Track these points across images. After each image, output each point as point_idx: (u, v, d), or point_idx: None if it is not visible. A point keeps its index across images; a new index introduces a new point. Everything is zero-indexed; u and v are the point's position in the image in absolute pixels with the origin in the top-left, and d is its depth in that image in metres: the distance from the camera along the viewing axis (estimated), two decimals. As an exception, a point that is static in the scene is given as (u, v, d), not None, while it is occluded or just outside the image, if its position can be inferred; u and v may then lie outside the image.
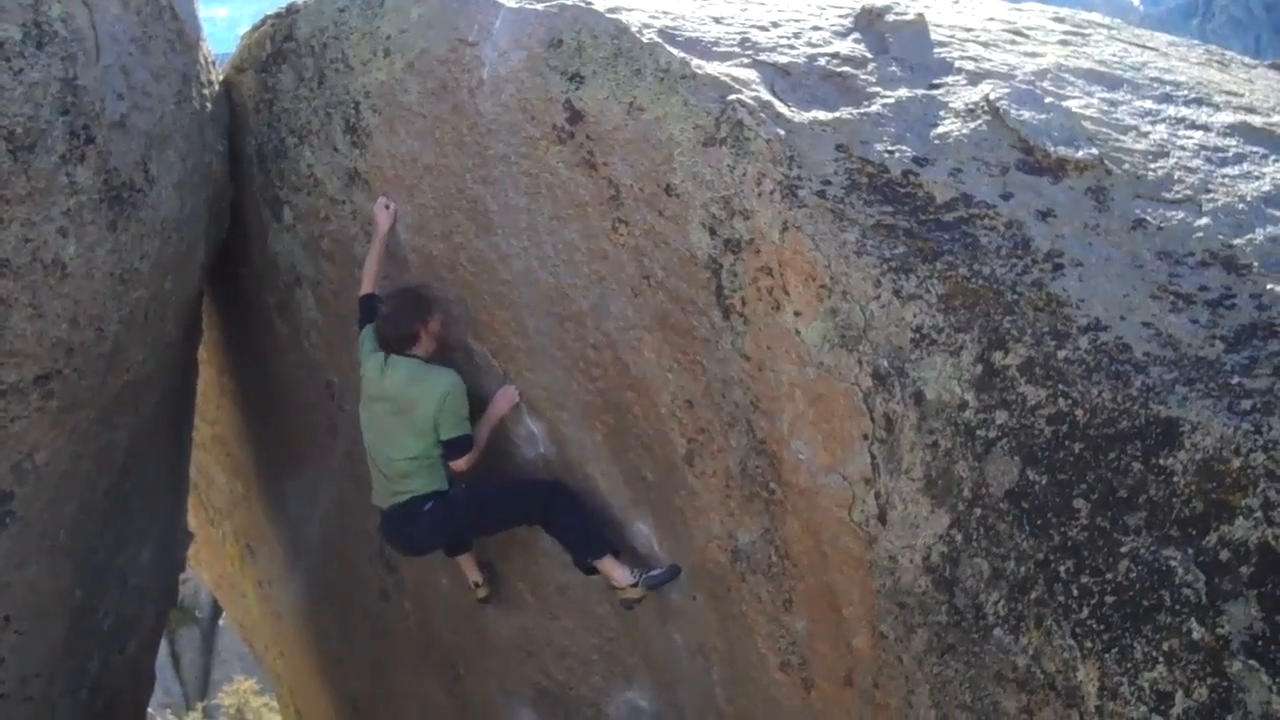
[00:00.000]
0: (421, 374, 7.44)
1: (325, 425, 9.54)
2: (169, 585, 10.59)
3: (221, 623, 28.76)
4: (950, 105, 6.43)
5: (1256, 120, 6.57)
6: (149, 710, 12.13)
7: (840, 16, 7.25)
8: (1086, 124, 6.29)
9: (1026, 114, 6.29)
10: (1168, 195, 5.88)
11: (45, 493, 7.50)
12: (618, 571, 7.35)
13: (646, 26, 6.74)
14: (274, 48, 8.57)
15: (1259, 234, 5.60)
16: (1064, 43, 7.50)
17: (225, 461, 11.77)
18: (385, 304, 7.68)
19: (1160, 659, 4.88)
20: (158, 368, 8.26)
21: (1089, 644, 5.10)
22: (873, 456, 5.86)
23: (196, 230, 8.32)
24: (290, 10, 8.56)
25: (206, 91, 8.47)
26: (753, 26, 7.02)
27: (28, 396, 7.08)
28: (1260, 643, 4.68)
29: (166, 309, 8.07)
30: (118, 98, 7.25)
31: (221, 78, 9.00)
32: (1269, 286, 5.30)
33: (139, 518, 9.11)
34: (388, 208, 7.77)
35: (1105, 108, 6.53)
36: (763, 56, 6.69)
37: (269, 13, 8.88)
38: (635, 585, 7.29)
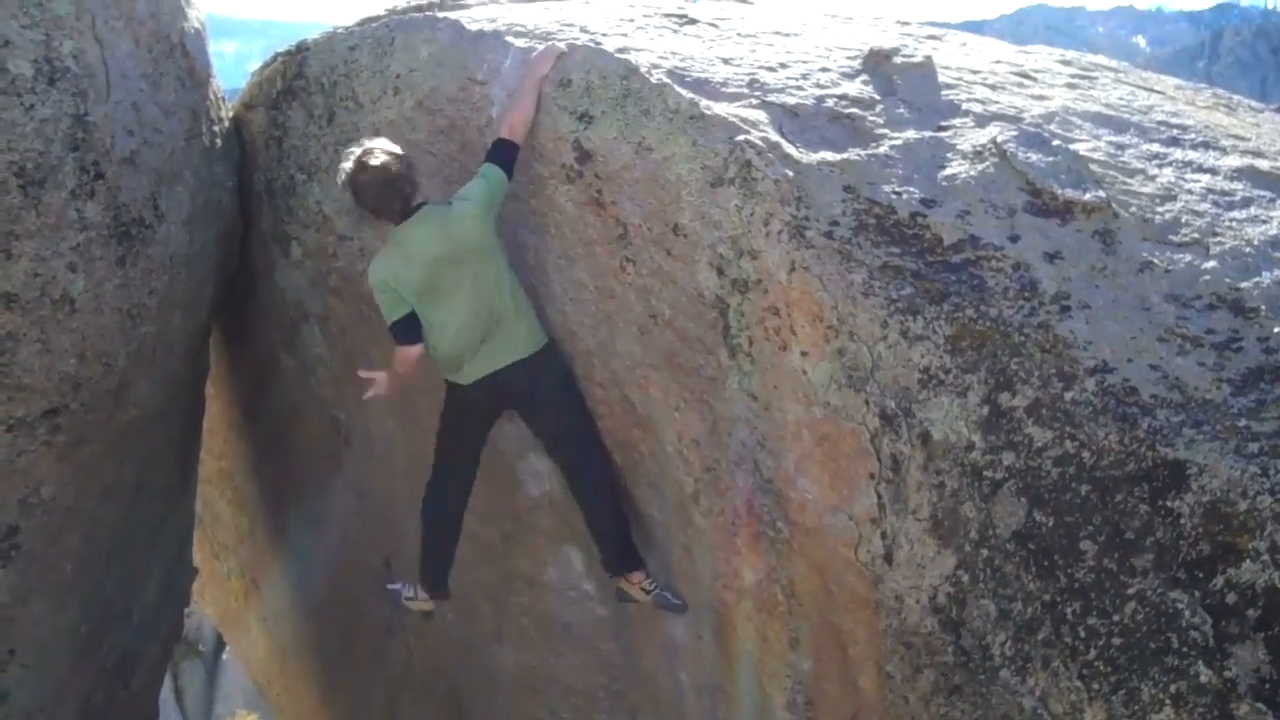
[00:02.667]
0: (442, 212, 6.92)
1: (331, 460, 9.55)
2: (174, 621, 10.59)
3: (225, 657, 28.66)
4: (958, 147, 6.45)
5: (1264, 164, 6.59)
6: (152, 745, 12.08)
7: (848, 58, 7.28)
8: (1094, 167, 6.31)
9: (1034, 156, 6.31)
10: (1175, 238, 5.89)
11: (51, 527, 7.51)
12: (639, 573, 7.25)
13: (655, 67, 6.77)
14: (284, 85, 8.62)
15: (1266, 277, 5.61)
16: (1071, 85, 7.52)
17: (231, 496, 11.77)
18: (366, 197, 6.96)
19: (1168, 701, 4.87)
20: (165, 403, 8.28)
21: (1096, 686, 5.09)
22: (879, 496, 5.86)
23: (205, 266, 8.35)
24: (300, 48, 8.62)
25: (216, 128, 8.53)
26: (761, 68, 7.04)
27: (35, 431, 7.10)
28: (1267, 686, 4.68)
29: (174, 344, 8.09)
30: (128, 134, 7.30)
31: (231, 114, 9.05)
32: (1276, 330, 5.31)
33: (145, 553, 9.12)
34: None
35: (1113, 150, 6.54)
36: (771, 97, 6.71)
37: (279, 50, 8.94)
38: (648, 593, 7.19)
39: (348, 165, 6.82)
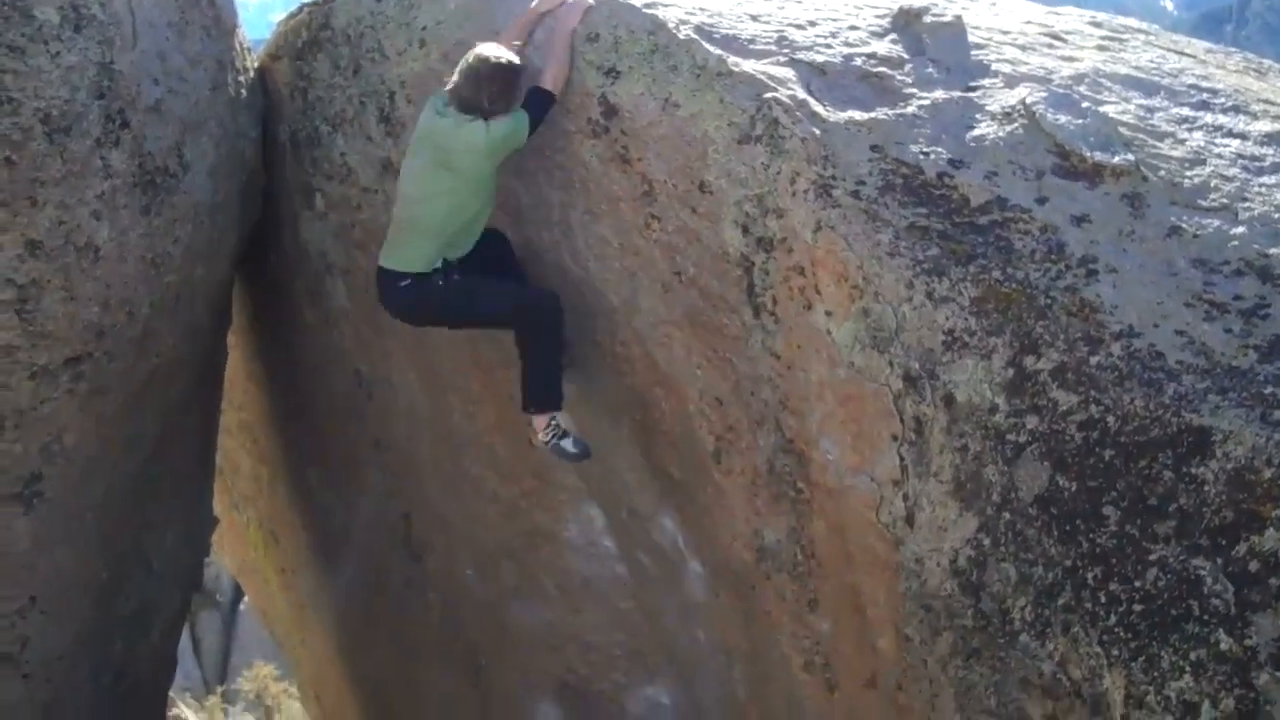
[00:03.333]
0: (467, 123, 6.88)
1: (353, 414, 9.56)
2: (194, 570, 10.64)
3: (242, 607, 28.80)
4: (987, 108, 6.41)
5: (1295, 129, 6.55)
6: (169, 694, 12.17)
7: (878, 16, 7.22)
8: (1123, 130, 6.26)
9: (1063, 118, 6.27)
10: (1203, 203, 5.86)
11: (73, 475, 7.53)
12: (540, 424, 7.33)
13: (683, 23, 6.73)
14: (310, 35, 8.58)
15: (1295, 244, 5.58)
16: (1101, 48, 7.46)
17: (251, 448, 11.80)
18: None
19: (1188, 669, 4.84)
20: (187, 353, 8.29)
21: (1116, 652, 5.07)
22: (901, 458, 5.85)
23: (229, 216, 8.35)
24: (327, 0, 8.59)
25: (241, 78, 8.51)
26: (790, 25, 7.00)
27: (58, 379, 7.11)
28: (1289, 655, 4.66)
29: (197, 294, 8.10)
30: (153, 83, 7.28)
31: (256, 64, 9.02)
32: (1304, 296, 5.28)
33: (165, 502, 9.15)
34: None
35: (1142, 114, 6.50)
36: (799, 55, 6.67)
37: (305, 0, 8.91)
38: (545, 443, 7.31)
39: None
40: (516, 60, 6.86)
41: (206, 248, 8.01)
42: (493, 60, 6.76)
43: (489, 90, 6.77)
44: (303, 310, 9.58)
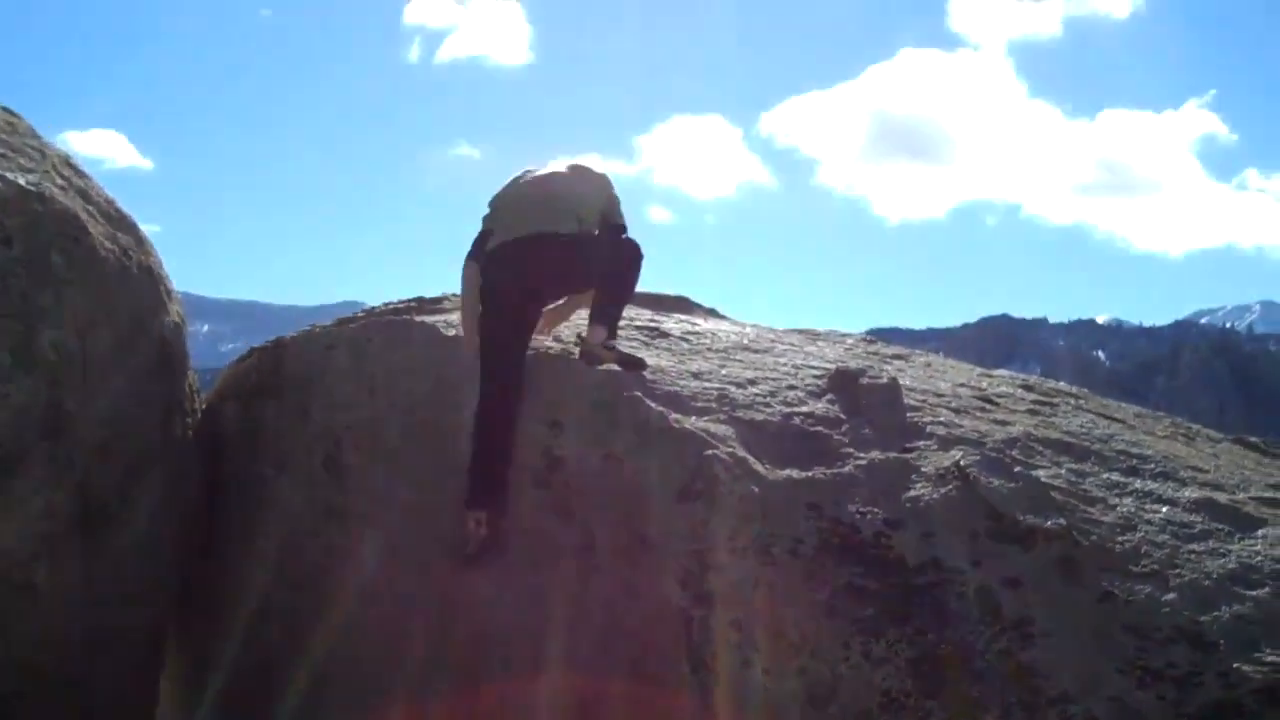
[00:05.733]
0: None
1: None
2: None
3: None
4: (922, 469, 6.56)
5: (1222, 497, 6.70)
6: None
7: (815, 377, 7.45)
8: (1055, 494, 6.41)
9: (996, 482, 6.42)
10: (1135, 569, 5.96)
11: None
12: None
13: (627, 379, 6.90)
14: (259, 380, 8.72)
15: (1225, 612, 5.66)
16: (1032, 412, 7.69)
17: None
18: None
19: None
20: (118, 695, 8.13)
21: None
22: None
23: (169, 557, 8.31)
24: (278, 345, 8.76)
25: (189, 420, 8.59)
26: (730, 383, 7.20)
27: (-16, 718, 6.97)
28: None
29: (132, 635, 7.99)
30: (101, 424, 7.35)
31: (204, 405, 9.12)
32: (1235, 665, 5.34)
33: None
34: None
35: (1073, 479, 6.66)
36: (739, 413, 6.84)
37: (256, 345, 9.07)
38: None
39: None
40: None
41: (144, 588, 7.95)
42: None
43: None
44: (237, 656, 9.42)
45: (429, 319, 8.12)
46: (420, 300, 9.21)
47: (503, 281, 7.43)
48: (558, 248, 7.51)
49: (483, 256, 7.63)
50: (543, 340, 7.64)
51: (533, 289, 7.55)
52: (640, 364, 7.33)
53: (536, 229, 7.48)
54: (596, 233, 7.66)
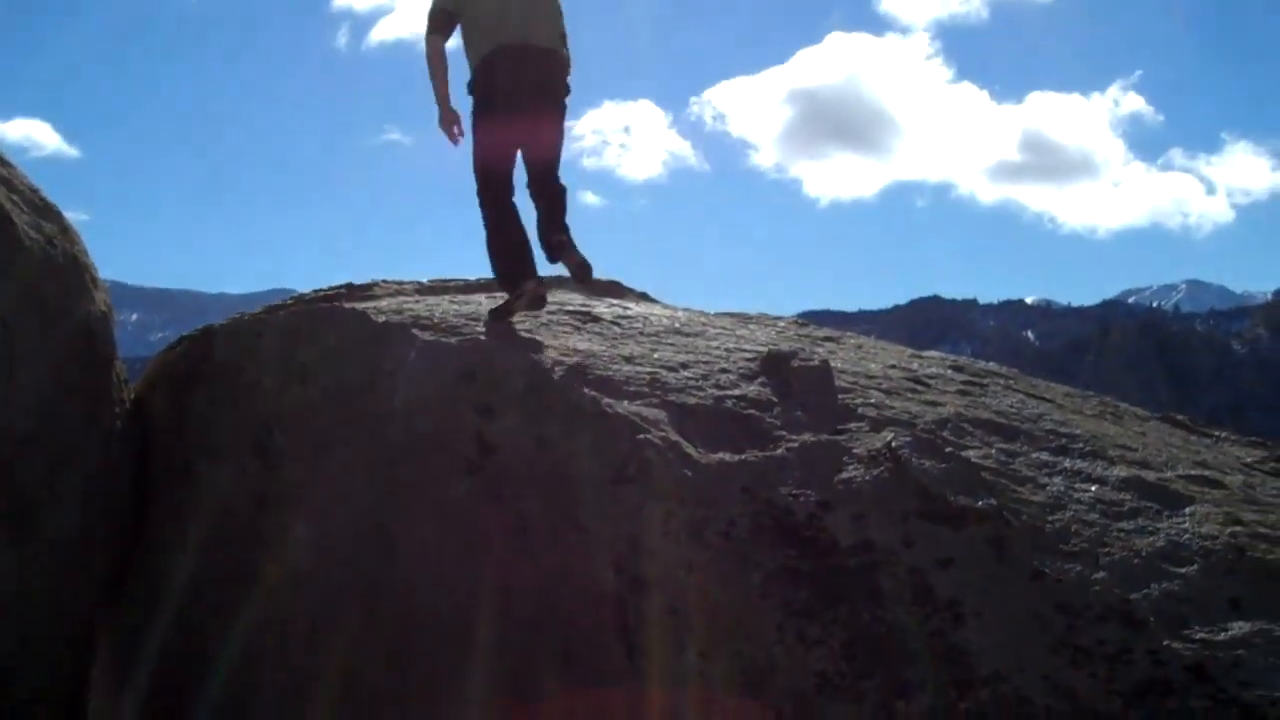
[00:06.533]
0: None
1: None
2: None
3: None
4: (854, 451, 6.58)
5: (1150, 475, 6.75)
6: None
7: (747, 360, 7.45)
8: (985, 474, 6.44)
9: (927, 463, 6.45)
10: (1065, 548, 5.99)
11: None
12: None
13: (558, 364, 6.89)
14: (189, 368, 8.63)
15: (1154, 589, 5.70)
16: (963, 392, 7.73)
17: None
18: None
19: None
20: (47, 691, 8.03)
21: None
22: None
23: (98, 549, 8.22)
24: (207, 333, 8.68)
25: (117, 409, 8.49)
26: (662, 367, 7.19)
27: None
28: None
29: (61, 629, 7.90)
30: (27, 415, 7.26)
31: (133, 395, 9.02)
32: (1165, 643, 5.38)
33: None
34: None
35: (1003, 459, 6.69)
36: (672, 397, 6.84)
37: (185, 333, 8.99)
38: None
39: None
40: None
41: (73, 581, 7.85)
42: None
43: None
44: (169, 648, 9.34)
45: (359, 305, 8.06)
46: (350, 287, 9.17)
47: (516, 88, 8.12)
48: (559, 67, 8.32)
49: (475, 56, 8.25)
50: (475, 327, 7.62)
51: (532, 101, 8.17)
52: (589, 271, 7.97)
53: (534, 41, 8.16)
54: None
